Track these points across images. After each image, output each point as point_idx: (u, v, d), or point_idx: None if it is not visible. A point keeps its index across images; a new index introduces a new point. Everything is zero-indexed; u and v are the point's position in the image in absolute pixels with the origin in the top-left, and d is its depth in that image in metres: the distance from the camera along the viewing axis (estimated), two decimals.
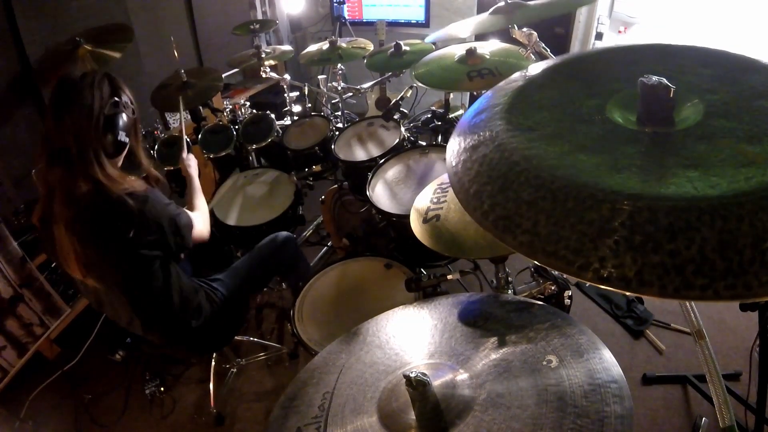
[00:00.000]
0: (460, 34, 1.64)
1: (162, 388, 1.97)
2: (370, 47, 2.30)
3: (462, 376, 0.75)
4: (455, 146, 0.76)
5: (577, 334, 0.74)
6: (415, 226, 1.23)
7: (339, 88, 2.53)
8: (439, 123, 2.14)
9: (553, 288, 1.25)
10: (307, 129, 2.31)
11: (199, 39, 3.16)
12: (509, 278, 1.23)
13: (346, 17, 3.62)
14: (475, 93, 1.78)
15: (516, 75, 0.87)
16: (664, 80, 0.61)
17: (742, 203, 0.49)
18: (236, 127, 2.28)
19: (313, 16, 3.95)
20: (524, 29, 1.42)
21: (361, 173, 1.78)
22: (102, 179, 1.17)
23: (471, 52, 1.62)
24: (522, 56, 1.54)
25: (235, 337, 1.91)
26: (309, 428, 0.78)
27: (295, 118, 2.48)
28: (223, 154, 2.20)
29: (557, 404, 0.63)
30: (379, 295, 1.44)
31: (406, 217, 1.30)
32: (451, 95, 2.26)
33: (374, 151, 1.90)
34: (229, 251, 2.04)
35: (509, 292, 1.22)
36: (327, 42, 2.31)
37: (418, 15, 3.47)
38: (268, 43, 3.66)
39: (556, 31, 3.09)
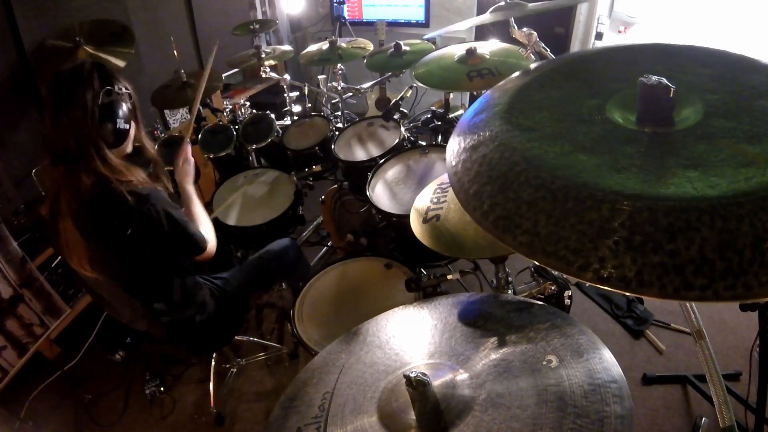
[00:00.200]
0: (459, 30, 1.63)
1: (162, 388, 1.97)
2: (370, 47, 2.30)
3: (462, 376, 0.75)
4: (455, 146, 0.76)
5: (577, 334, 0.74)
6: (415, 226, 1.23)
7: (339, 88, 2.53)
8: (439, 123, 2.14)
9: (553, 288, 1.25)
10: (307, 129, 2.31)
11: (199, 39, 3.16)
12: (509, 278, 1.23)
13: (346, 17, 3.61)
14: (475, 93, 1.78)
15: (516, 75, 0.87)
16: (664, 80, 0.61)
17: (742, 203, 0.49)
18: (236, 127, 2.28)
19: (313, 16, 3.95)
20: (524, 29, 1.42)
21: (361, 173, 1.78)
22: (105, 172, 1.17)
23: (471, 52, 1.61)
24: (522, 56, 1.55)
25: (235, 337, 1.91)
26: (309, 428, 0.78)
27: (295, 118, 2.48)
28: (223, 154, 2.19)
29: (557, 404, 0.63)
30: (379, 295, 1.44)
31: (406, 217, 1.30)
32: (451, 95, 2.26)
33: (374, 151, 1.90)
34: (229, 251, 2.04)
35: (509, 292, 1.22)
36: (327, 42, 2.30)
37: (418, 15, 3.46)
38: (268, 43, 3.65)
39: (556, 31, 3.09)
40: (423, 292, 1.30)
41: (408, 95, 1.99)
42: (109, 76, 1.21)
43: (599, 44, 2.99)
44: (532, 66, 0.89)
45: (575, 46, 3.11)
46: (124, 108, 1.23)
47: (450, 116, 2.13)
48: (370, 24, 3.44)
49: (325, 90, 2.72)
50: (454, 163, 0.73)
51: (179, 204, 1.43)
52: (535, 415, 0.63)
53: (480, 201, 0.64)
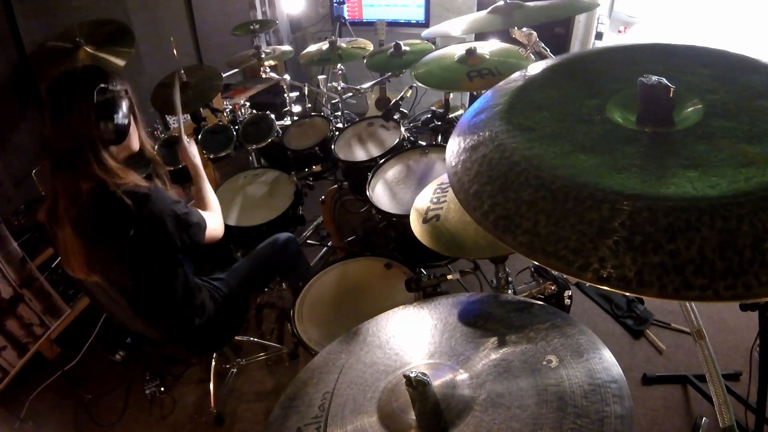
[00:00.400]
0: (455, 32, 1.63)
1: (162, 388, 1.97)
2: (370, 47, 2.30)
3: (462, 376, 0.75)
4: (455, 146, 0.76)
5: (577, 334, 0.74)
6: (415, 226, 1.23)
7: (339, 88, 2.53)
8: (439, 123, 2.14)
9: (553, 288, 1.25)
10: (307, 129, 2.31)
11: (199, 39, 3.16)
12: (509, 278, 1.23)
13: (346, 17, 3.61)
14: (475, 93, 1.78)
15: (516, 75, 0.87)
16: (664, 80, 0.61)
17: (742, 203, 0.49)
18: (236, 127, 2.28)
19: (313, 16, 3.95)
20: (524, 29, 1.42)
21: (361, 173, 1.78)
22: (102, 176, 1.17)
23: (471, 52, 1.62)
24: (522, 56, 1.54)
25: (235, 337, 1.91)
26: (309, 428, 0.78)
27: (295, 118, 2.48)
28: (223, 154, 2.20)
29: (557, 404, 0.63)
30: (379, 295, 1.44)
31: (406, 217, 1.30)
32: (451, 95, 2.26)
33: (374, 151, 1.90)
34: (229, 251, 2.04)
35: (509, 292, 1.22)
36: (327, 42, 2.31)
37: (418, 15, 3.47)
38: (268, 43, 3.66)
39: (556, 31, 3.09)
40: (423, 292, 1.30)
41: (408, 95, 1.99)
42: (102, 75, 1.21)
43: (599, 44, 3.00)
44: (532, 66, 0.89)
45: (575, 46, 3.11)
46: (121, 104, 1.23)
47: (450, 116, 2.13)
48: (370, 24, 3.44)
49: (325, 90, 2.72)
50: (454, 163, 0.73)
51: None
52: (535, 415, 0.63)
53: (480, 201, 0.64)
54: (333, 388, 0.84)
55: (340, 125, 2.33)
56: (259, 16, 3.67)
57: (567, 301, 1.25)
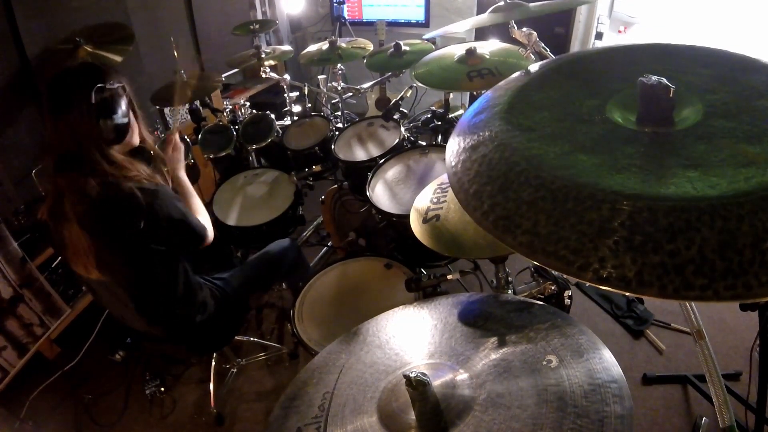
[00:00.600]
0: (458, 30, 1.63)
1: (162, 388, 1.97)
2: (370, 47, 2.30)
3: (462, 376, 0.75)
4: (455, 146, 0.76)
5: (577, 334, 0.74)
6: (415, 226, 1.23)
7: (339, 88, 2.53)
8: (439, 123, 2.14)
9: (553, 288, 1.25)
10: (307, 129, 2.31)
11: (199, 39, 3.16)
12: (509, 278, 1.23)
13: (346, 17, 3.62)
14: (475, 93, 1.78)
15: (516, 75, 0.87)
16: (664, 80, 0.61)
17: (742, 203, 0.49)
18: (236, 127, 2.28)
19: (313, 16, 3.95)
20: (524, 29, 1.42)
21: (361, 173, 1.78)
22: (110, 171, 1.17)
23: (471, 52, 1.61)
24: (522, 56, 1.54)
25: (235, 337, 1.91)
26: (309, 428, 0.78)
27: (295, 118, 2.48)
28: (223, 154, 2.19)
29: (557, 404, 0.63)
30: (379, 295, 1.44)
31: (406, 217, 1.30)
32: (451, 95, 2.26)
33: (374, 151, 1.90)
34: (229, 251, 2.04)
35: (509, 292, 1.22)
36: (327, 42, 2.30)
37: (418, 15, 3.47)
38: (268, 43, 3.66)
39: (556, 31, 3.09)
40: (423, 292, 1.30)
41: (408, 95, 1.99)
42: (100, 73, 1.21)
43: (599, 44, 3.00)
44: (532, 66, 0.89)
45: (575, 46, 3.11)
46: (120, 102, 1.23)
47: (450, 116, 2.13)
48: (370, 24, 3.44)
49: (325, 90, 2.72)
50: (454, 163, 0.73)
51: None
52: (535, 415, 0.63)
53: (480, 201, 0.64)
54: (333, 388, 0.84)
55: (340, 125, 2.33)
56: (259, 16, 3.67)
57: (567, 301, 1.25)
